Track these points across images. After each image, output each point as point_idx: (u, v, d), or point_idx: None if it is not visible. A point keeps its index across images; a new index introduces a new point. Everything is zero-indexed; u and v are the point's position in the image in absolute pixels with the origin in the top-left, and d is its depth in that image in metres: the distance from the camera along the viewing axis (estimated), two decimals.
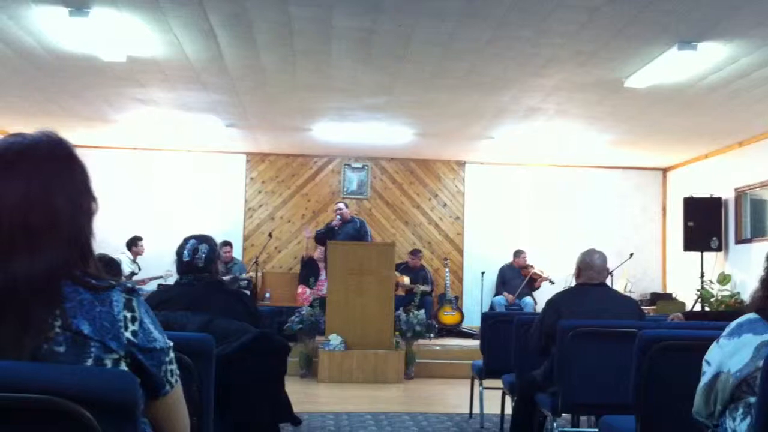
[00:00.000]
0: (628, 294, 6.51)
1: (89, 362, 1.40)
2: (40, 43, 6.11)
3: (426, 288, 10.49)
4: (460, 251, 11.66)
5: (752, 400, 1.89)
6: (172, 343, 1.59)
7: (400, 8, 5.26)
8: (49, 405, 1.25)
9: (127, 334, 1.46)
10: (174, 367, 1.59)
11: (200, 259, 3.44)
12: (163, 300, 3.38)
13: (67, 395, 1.25)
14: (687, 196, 10.15)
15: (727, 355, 2.02)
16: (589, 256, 4.27)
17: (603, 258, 4.28)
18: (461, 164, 11.69)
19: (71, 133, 9.74)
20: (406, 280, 10.44)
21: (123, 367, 1.46)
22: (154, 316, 1.56)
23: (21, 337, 1.36)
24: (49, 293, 1.41)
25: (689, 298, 10.04)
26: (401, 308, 8.81)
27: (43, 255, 1.42)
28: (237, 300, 3.54)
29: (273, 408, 3.43)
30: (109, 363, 1.43)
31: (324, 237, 9.58)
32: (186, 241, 3.51)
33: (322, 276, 10.05)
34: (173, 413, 1.62)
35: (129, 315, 1.48)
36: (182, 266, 3.46)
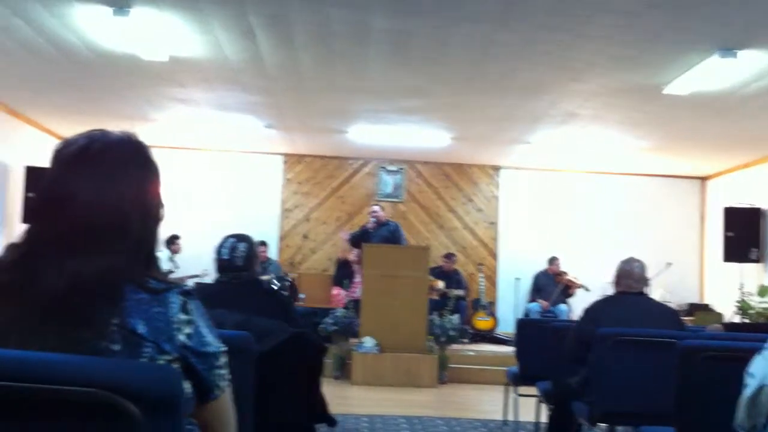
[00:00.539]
0: (663, 303, 6.42)
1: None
2: (83, 42, 6.20)
3: (460, 293, 10.45)
4: (495, 256, 11.60)
5: None
6: (225, 348, 1.58)
7: (437, 11, 5.25)
8: (92, 397, 1.25)
9: (181, 337, 1.46)
10: (225, 371, 1.58)
11: (239, 258, 3.46)
12: (201, 297, 3.40)
13: (110, 387, 1.26)
14: (727, 205, 10.00)
15: None
16: (629, 265, 4.22)
17: (642, 267, 4.23)
18: (496, 169, 11.64)
19: (108, 129, 9.87)
20: (441, 284, 10.41)
21: (176, 369, 1.46)
22: (208, 319, 1.55)
23: (82, 335, 1.38)
24: (112, 294, 1.41)
25: (727, 310, 9.88)
26: (435, 312, 8.78)
27: (110, 256, 1.43)
28: (275, 299, 3.57)
29: (309, 407, 3.44)
30: (161, 363, 1.43)
31: (358, 239, 9.59)
32: (225, 239, 3.53)
33: (357, 278, 10.05)
34: (222, 417, 1.62)
35: (184, 318, 1.47)
36: (221, 264, 3.48)
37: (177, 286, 1.51)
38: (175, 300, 1.47)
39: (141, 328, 1.41)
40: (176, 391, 1.35)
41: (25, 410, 1.27)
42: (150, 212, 1.53)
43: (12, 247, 1.46)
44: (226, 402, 1.62)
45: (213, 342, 1.54)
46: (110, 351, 1.38)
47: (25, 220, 9.44)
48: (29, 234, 1.47)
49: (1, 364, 1.27)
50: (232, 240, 3.51)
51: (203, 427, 1.58)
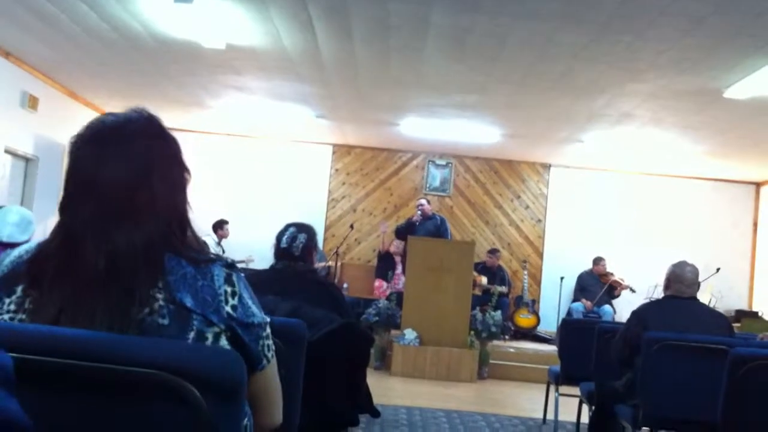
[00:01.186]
0: (714, 309, 6.34)
1: (191, 335, 1.45)
2: (145, 28, 6.32)
3: (503, 289, 10.44)
4: (540, 254, 11.55)
5: None
6: (269, 319, 1.63)
7: (498, 8, 5.24)
8: (156, 379, 1.28)
9: (228, 308, 1.50)
10: (270, 342, 1.63)
11: (297, 248, 3.50)
12: (254, 283, 3.44)
13: (174, 370, 1.29)
14: None
15: None
16: (680, 269, 4.18)
17: (694, 271, 4.19)
18: (546, 167, 11.57)
19: (167, 116, 9.94)
20: (484, 280, 10.41)
21: (223, 340, 1.49)
22: (251, 291, 1.59)
23: (127, 308, 1.42)
24: (152, 264, 1.46)
25: None
26: (477, 308, 8.79)
27: (142, 229, 1.47)
28: (326, 290, 3.60)
29: (355, 397, 3.48)
30: (210, 336, 1.47)
31: (404, 232, 9.63)
32: (287, 227, 3.57)
33: (399, 270, 10.10)
34: (269, 387, 1.67)
35: (229, 289, 1.51)
36: (279, 252, 3.54)
37: (219, 258, 1.55)
38: (220, 272, 1.52)
39: (189, 301, 1.45)
40: (240, 379, 1.38)
41: (90, 388, 1.31)
42: (175, 181, 1.57)
43: (54, 232, 1.51)
44: (273, 372, 1.66)
45: (257, 313, 1.58)
46: (158, 325, 1.42)
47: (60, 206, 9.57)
48: (65, 217, 1.52)
49: (68, 343, 1.31)
50: (293, 229, 3.55)
51: (251, 398, 1.62)
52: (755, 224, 11.44)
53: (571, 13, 5.17)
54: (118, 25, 6.30)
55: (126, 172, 1.49)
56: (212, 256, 1.55)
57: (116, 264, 1.44)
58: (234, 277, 1.54)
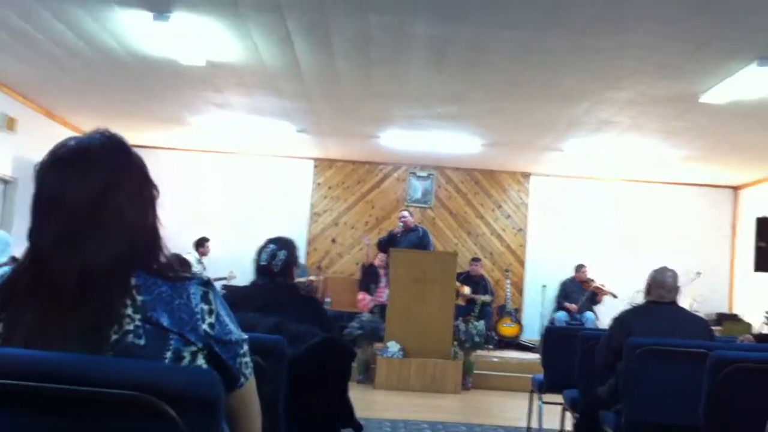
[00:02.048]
0: (694, 313, 6.37)
1: (168, 354, 1.44)
2: (123, 46, 6.31)
3: (487, 298, 10.46)
4: (522, 263, 11.59)
5: None
6: (246, 336, 1.62)
7: (478, 18, 5.27)
8: (133, 400, 1.28)
9: (205, 326, 1.49)
10: (248, 359, 1.62)
11: (276, 266, 3.48)
12: (235, 299, 3.45)
13: (152, 391, 1.29)
14: (760, 215, 9.91)
15: None
16: (661, 274, 4.21)
17: (675, 277, 4.22)
18: (526, 176, 11.63)
19: (147, 134, 10.03)
20: (467, 290, 10.43)
21: (201, 359, 1.49)
22: (228, 308, 1.59)
23: (99, 328, 1.41)
24: (121, 281, 1.45)
25: (756, 320, 9.79)
26: (460, 318, 8.80)
27: (113, 245, 1.47)
28: (309, 304, 3.59)
29: (337, 412, 3.47)
30: (187, 355, 1.46)
31: (386, 244, 9.63)
32: (266, 244, 3.55)
33: (382, 283, 10.09)
34: (248, 405, 1.66)
35: (206, 307, 1.51)
36: (259, 269, 3.53)
37: (196, 276, 1.55)
38: (196, 290, 1.51)
39: (165, 321, 1.45)
40: (217, 395, 1.38)
41: (67, 410, 1.31)
42: (141, 198, 1.56)
43: (24, 255, 1.52)
44: (251, 390, 1.66)
45: (235, 330, 1.58)
46: (134, 346, 1.41)
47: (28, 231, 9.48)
48: (34, 237, 1.51)
49: (43, 366, 1.31)
50: (272, 246, 3.53)
51: (229, 416, 1.60)
52: (734, 228, 11.55)
53: (550, 21, 5.22)
54: (95, 43, 6.29)
55: (90, 190, 1.49)
56: (188, 274, 1.55)
57: (86, 282, 1.43)
58: (211, 295, 1.54)
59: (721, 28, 5.14)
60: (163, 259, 1.55)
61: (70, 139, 1.59)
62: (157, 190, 1.61)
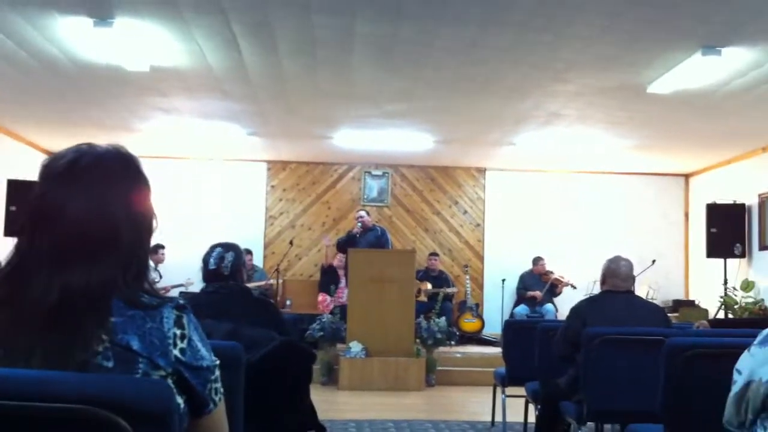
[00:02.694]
0: (650, 301, 6.47)
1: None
2: (65, 53, 6.17)
3: (453, 290, 10.52)
4: (481, 258, 11.63)
5: None
6: (218, 362, 1.57)
7: (421, 15, 5.27)
8: (84, 414, 1.24)
9: (176, 352, 1.45)
10: (218, 385, 1.57)
11: (226, 268, 3.45)
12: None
13: (101, 403, 1.25)
14: (710, 202, 10.08)
15: (759, 364, 1.99)
16: (615, 264, 4.25)
17: (629, 265, 4.26)
18: (481, 171, 11.67)
19: (95, 142, 9.83)
20: (428, 285, 10.44)
21: (169, 383, 1.44)
22: (202, 333, 1.54)
23: (69, 349, 1.36)
24: (100, 307, 1.41)
25: (712, 306, 9.96)
26: (422, 315, 8.80)
27: (100, 269, 1.42)
28: (263, 308, 3.55)
29: (299, 416, 3.43)
30: (156, 379, 1.43)
31: (345, 245, 9.60)
32: (212, 248, 3.52)
33: (342, 283, 10.06)
34: (215, 431, 1.61)
35: (179, 332, 1.47)
36: (208, 274, 3.47)
37: (171, 300, 1.51)
38: (170, 314, 1.47)
39: (135, 344, 1.40)
40: (170, 406, 1.35)
41: (16, 428, 1.26)
42: (141, 225, 1.53)
43: (5, 261, 1.46)
44: (220, 416, 1.61)
45: (207, 356, 1.53)
46: (103, 368, 1.38)
47: (10, 232, 9.38)
48: (19, 249, 1.46)
49: None
50: (219, 250, 3.50)
51: None
52: (686, 215, 11.73)
53: (492, 16, 5.23)
54: (37, 52, 6.14)
55: (94, 211, 1.45)
56: (163, 298, 1.50)
57: (65, 302, 1.39)
58: (184, 320, 1.49)
59: (663, 18, 5.19)
60: (143, 286, 1.51)
61: (86, 148, 1.52)
62: (157, 221, 1.57)
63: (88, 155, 1.50)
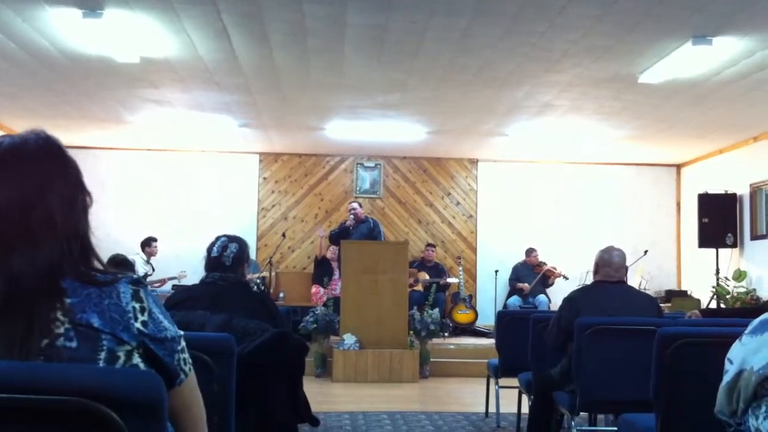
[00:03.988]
0: (642, 291, 6.50)
1: (102, 355, 1.41)
2: (54, 45, 6.14)
3: (454, 280, 10.55)
4: (474, 249, 11.64)
5: None
6: (182, 333, 1.59)
7: (413, 5, 5.25)
8: (74, 406, 1.24)
9: (137, 325, 1.46)
10: (186, 355, 1.59)
11: (228, 258, 3.46)
12: (185, 298, 3.40)
13: (91, 395, 1.24)
14: (701, 192, 10.10)
15: (750, 353, 1.99)
16: (608, 254, 4.25)
17: (621, 255, 4.25)
18: (474, 162, 11.67)
19: (86, 134, 9.82)
20: (426, 275, 10.45)
21: (136, 357, 1.46)
22: (162, 306, 1.55)
23: (28, 336, 1.36)
24: (50, 290, 1.41)
25: (704, 295, 10.00)
26: (415, 307, 8.81)
27: (42, 253, 1.42)
28: (258, 300, 3.55)
29: (292, 408, 3.43)
30: (121, 355, 1.43)
31: (338, 237, 9.60)
32: (217, 238, 3.55)
33: (336, 275, 10.07)
34: (191, 402, 1.63)
35: (138, 306, 1.47)
36: (210, 262, 3.49)
37: (125, 276, 1.51)
38: (126, 289, 1.47)
39: (96, 321, 1.41)
40: (159, 396, 1.34)
41: (3, 420, 1.25)
42: (75, 203, 1.52)
43: None
44: (192, 387, 1.62)
45: (170, 327, 1.54)
46: (66, 349, 1.38)
47: None
48: None
49: None
50: (224, 239, 3.53)
51: (172, 415, 1.57)
52: (678, 205, 11.76)
53: (484, 5, 5.22)
54: (26, 44, 6.11)
55: (20, 193, 1.43)
56: (117, 275, 1.50)
57: (15, 290, 1.38)
58: (142, 293, 1.50)
59: (654, 8, 5.19)
60: (96, 265, 1.51)
61: (3, 137, 1.52)
62: (91, 198, 1.56)
63: (7, 143, 1.50)
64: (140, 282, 1.52)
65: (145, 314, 1.49)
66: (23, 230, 1.43)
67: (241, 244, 3.56)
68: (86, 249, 1.51)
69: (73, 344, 1.39)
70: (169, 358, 1.53)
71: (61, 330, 1.39)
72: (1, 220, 1.42)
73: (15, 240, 1.42)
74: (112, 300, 1.45)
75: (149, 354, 1.49)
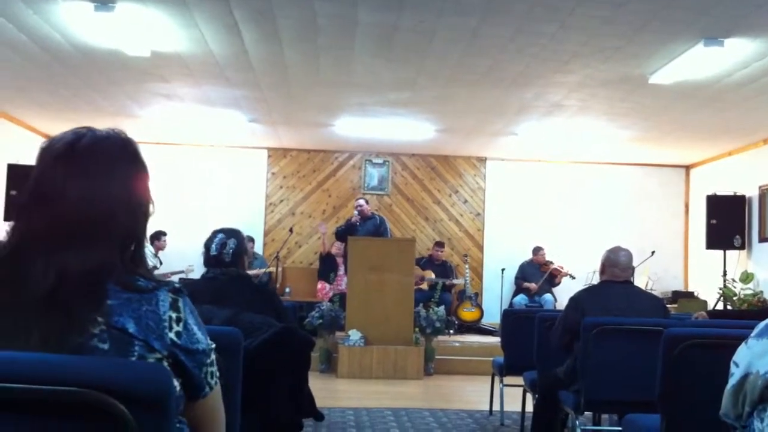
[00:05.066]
0: (649, 291, 6.47)
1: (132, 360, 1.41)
2: (66, 38, 6.16)
3: (459, 282, 10.55)
4: (480, 248, 11.64)
5: None
6: (214, 345, 1.58)
7: (423, 4, 5.25)
8: (80, 397, 1.25)
9: (171, 335, 1.46)
10: (214, 369, 1.58)
11: (227, 254, 3.45)
12: (189, 293, 3.39)
13: (99, 387, 1.25)
14: (710, 193, 10.07)
15: (757, 356, 1.99)
16: (614, 254, 4.25)
17: (628, 256, 4.25)
18: (482, 160, 11.66)
19: (96, 127, 9.82)
20: (432, 274, 10.45)
21: (165, 367, 1.45)
22: (198, 317, 1.55)
23: (65, 332, 1.37)
24: (95, 291, 1.41)
25: (711, 297, 9.97)
26: (421, 304, 8.81)
27: (97, 252, 1.43)
28: (263, 295, 3.56)
29: (297, 403, 3.44)
30: (151, 362, 1.43)
31: (344, 234, 9.61)
32: (215, 234, 3.52)
33: (341, 271, 10.08)
34: (212, 415, 1.62)
35: (174, 315, 1.47)
36: (209, 260, 3.48)
37: (166, 283, 1.51)
38: (165, 298, 1.47)
39: (131, 327, 1.41)
40: (167, 390, 1.35)
41: (12, 410, 1.26)
42: (138, 208, 1.53)
43: (4, 243, 1.46)
44: (216, 399, 1.62)
45: (203, 339, 1.54)
46: (99, 350, 1.38)
47: (11, 217, 9.29)
48: (15, 231, 1.46)
49: None
50: (221, 236, 3.51)
51: (193, 426, 1.57)
52: (686, 206, 11.73)
53: (494, 5, 5.21)
54: (38, 37, 6.12)
55: (92, 193, 1.45)
56: (159, 282, 1.50)
57: (62, 285, 1.39)
58: (180, 303, 1.50)
59: (665, 9, 5.18)
60: (140, 270, 1.51)
61: (85, 131, 1.53)
62: (154, 206, 1.58)
63: (86, 137, 1.51)
64: (180, 291, 1.51)
65: (180, 325, 1.49)
66: (86, 225, 1.44)
67: (239, 238, 3.55)
68: (139, 255, 1.53)
69: (106, 346, 1.39)
70: (197, 369, 1.52)
71: (97, 331, 1.39)
72: (70, 211, 1.43)
73: (76, 233, 1.43)
74: (150, 307, 1.45)
75: (178, 364, 1.48)
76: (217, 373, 1.61)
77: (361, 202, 10.04)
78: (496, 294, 11.08)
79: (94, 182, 1.46)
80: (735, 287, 9.54)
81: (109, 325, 1.40)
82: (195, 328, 1.52)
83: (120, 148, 1.54)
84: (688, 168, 11.74)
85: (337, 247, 10.32)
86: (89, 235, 1.44)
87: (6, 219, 8.78)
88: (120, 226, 1.48)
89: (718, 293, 9.65)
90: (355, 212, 9.89)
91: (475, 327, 10.46)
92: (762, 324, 2.03)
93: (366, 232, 9.58)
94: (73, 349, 1.37)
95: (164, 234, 10.34)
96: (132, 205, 1.51)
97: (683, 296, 10.54)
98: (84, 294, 1.40)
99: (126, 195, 1.50)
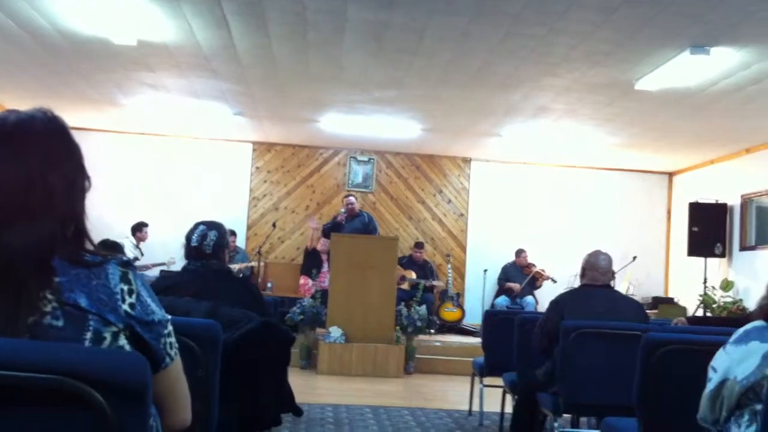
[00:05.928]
0: (629, 296, 6.50)
1: (88, 335, 1.40)
2: (53, 24, 6.11)
3: (440, 283, 10.54)
4: (463, 248, 11.65)
5: (758, 407, 1.88)
6: (169, 317, 1.58)
7: (414, 3, 5.25)
8: (57, 385, 1.23)
9: (125, 307, 1.46)
10: (173, 339, 1.58)
11: (208, 246, 3.43)
12: (169, 285, 3.37)
13: (76, 375, 1.24)
14: (692, 201, 10.13)
15: (734, 362, 2.01)
16: (595, 258, 4.26)
17: (608, 260, 4.27)
18: (467, 161, 11.67)
19: (80, 115, 9.76)
20: (413, 274, 10.44)
21: (122, 339, 1.45)
22: (150, 289, 1.55)
23: (16, 312, 1.36)
24: (41, 269, 1.40)
25: (691, 304, 10.04)
26: (402, 303, 8.81)
27: (37, 231, 1.42)
28: (244, 288, 3.54)
29: (276, 397, 3.43)
30: (108, 336, 1.42)
31: (330, 231, 9.57)
32: (196, 226, 3.50)
33: (325, 268, 10.05)
34: (175, 386, 1.62)
35: (126, 288, 1.47)
36: (190, 251, 3.45)
37: (114, 257, 1.50)
38: (115, 271, 1.47)
39: (83, 302, 1.41)
40: (144, 380, 1.34)
41: None
42: (74, 185, 1.52)
43: None
44: (177, 371, 1.61)
45: (157, 311, 1.54)
46: (52, 327, 1.37)
47: None
48: None
49: None
50: (202, 227, 3.48)
51: (157, 398, 1.56)
52: (669, 213, 11.79)
53: (485, 6, 5.22)
54: (24, 22, 6.07)
55: (23, 170, 1.43)
56: (106, 256, 1.50)
57: (6, 264, 1.38)
58: (130, 275, 1.50)
59: (653, 16, 5.21)
60: (88, 246, 1.50)
61: (10, 112, 1.52)
62: (90, 181, 1.55)
63: (10, 119, 1.49)
64: (129, 264, 1.51)
65: (133, 296, 1.48)
66: (23, 207, 1.42)
67: (220, 230, 3.53)
68: (80, 231, 1.51)
69: (60, 323, 1.38)
70: (155, 341, 1.52)
71: (49, 308, 1.38)
72: (2, 194, 1.42)
73: (13, 216, 1.41)
74: (100, 281, 1.44)
75: (135, 336, 1.48)
76: (176, 345, 1.60)
77: (352, 199, 10.02)
78: (478, 295, 11.10)
79: (23, 163, 1.44)
80: (715, 295, 9.61)
81: (61, 301, 1.39)
82: (149, 300, 1.52)
83: (47, 126, 1.51)
84: (671, 175, 11.81)
85: (322, 244, 10.28)
86: (27, 216, 1.42)
87: None
88: (56, 202, 1.46)
89: (699, 300, 9.72)
90: (343, 209, 9.86)
91: (456, 327, 10.47)
92: (740, 330, 2.05)
93: (354, 230, 9.57)
94: (27, 327, 1.36)
95: (146, 225, 10.27)
96: (67, 182, 1.49)
97: (664, 302, 10.62)
98: (30, 271, 1.39)
99: (59, 172, 1.48)
